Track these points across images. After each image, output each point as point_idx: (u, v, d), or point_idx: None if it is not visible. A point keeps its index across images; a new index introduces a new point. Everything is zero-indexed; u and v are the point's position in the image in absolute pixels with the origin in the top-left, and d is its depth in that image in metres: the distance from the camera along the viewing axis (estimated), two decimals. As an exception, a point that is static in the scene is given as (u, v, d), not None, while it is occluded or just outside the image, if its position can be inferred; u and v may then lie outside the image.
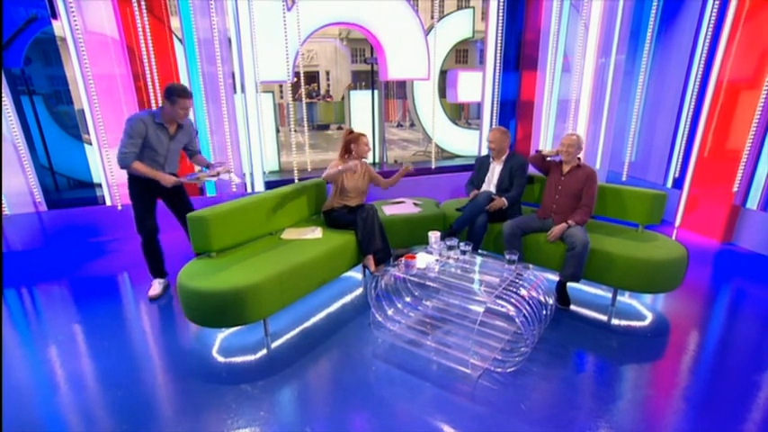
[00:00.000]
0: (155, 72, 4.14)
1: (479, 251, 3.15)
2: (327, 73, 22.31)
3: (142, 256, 3.15)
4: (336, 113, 13.18)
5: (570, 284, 3.01)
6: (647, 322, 2.79)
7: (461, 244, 2.65)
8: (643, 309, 2.96)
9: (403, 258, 2.50)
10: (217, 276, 2.40)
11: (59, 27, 3.83)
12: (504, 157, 3.39)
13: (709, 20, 4.28)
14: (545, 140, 5.53)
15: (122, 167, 2.81)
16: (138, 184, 2.94)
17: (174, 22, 4.23)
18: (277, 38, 4.45)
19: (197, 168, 3.39)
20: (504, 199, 3.21)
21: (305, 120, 5.50)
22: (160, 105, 2.81)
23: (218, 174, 2.99)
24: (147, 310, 3.07)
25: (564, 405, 2.04)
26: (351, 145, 3.23)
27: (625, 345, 2.53)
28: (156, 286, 3.19)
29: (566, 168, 3.07)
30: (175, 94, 2.74)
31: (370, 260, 3.09)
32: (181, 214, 3.14)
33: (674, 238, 3.81)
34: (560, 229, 2.87)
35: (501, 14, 5.13)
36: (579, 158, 3.07)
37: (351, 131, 3.28)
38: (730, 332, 2.76)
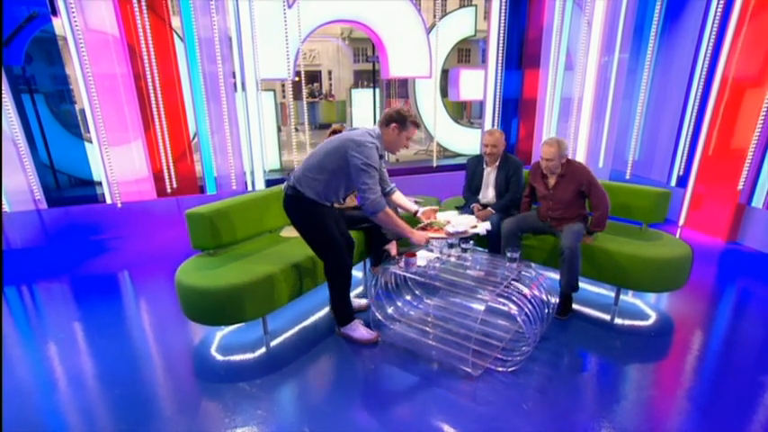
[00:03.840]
0: (155, 70, 4.13)
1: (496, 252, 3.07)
2: (330, 72, 22.30)
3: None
4: (338, 113, 13.16)
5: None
6: (650, 322, 2.76)
7: (470, 244, 2.63)
8: (647, 308, 2.92)
9: (403, 256, 2.47)
10: (215, 274, 2.38)
11: (60, 26, 3.83)
12: (497, 163, 3.27)
13: (714, 17, 4.23)
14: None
15: (373, 213, 2.20)
16: (318, 204, 2.30)
17: (175, 22, 4.22)
18: (278, 35, 4.43)
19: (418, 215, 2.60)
20: (489, 209, 3.19)
21: (306, 119, 5.49)
22: (376, 130, 2.29)
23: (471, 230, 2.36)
24: (147, 308, 3.06)
25: (566, 405, 2.01)
26: None
27: (628, 344, 2.50)
28: (365, 330, 2.55)
29: (551, 181, 2.84)
30: (411, 120, 2.28)
31: (394, 244, 3.08)
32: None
33: (678, 237, 3.78)
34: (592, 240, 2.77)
35: (503, 12, 5.09)
36: (563, 162, 2.78)
37: (334, 131, 3.06)
38: (735, 332, 2.72)
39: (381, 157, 2.34)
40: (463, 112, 13.94)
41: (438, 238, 2.36)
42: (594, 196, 2.73)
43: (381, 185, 2.49)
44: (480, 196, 3.36)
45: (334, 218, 2.48)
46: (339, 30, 20.15)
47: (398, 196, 2.59)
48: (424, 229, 2.45)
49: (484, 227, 2.34)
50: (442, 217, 2.55)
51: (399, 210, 2.69)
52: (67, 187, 4.82)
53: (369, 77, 5.99)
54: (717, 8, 4.19)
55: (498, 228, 2.99)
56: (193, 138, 4.53)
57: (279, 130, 5.79)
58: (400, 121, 2.26)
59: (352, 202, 3.17)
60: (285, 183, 2.38)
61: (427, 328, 2.64)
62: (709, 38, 4.30)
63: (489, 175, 3.32)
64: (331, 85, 22.05)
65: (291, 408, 2.06)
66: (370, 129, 2.30)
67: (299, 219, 2.35)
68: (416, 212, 2.56)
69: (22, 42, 4.14)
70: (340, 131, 3.09)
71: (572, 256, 2.59)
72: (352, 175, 2.17)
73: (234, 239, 2.77)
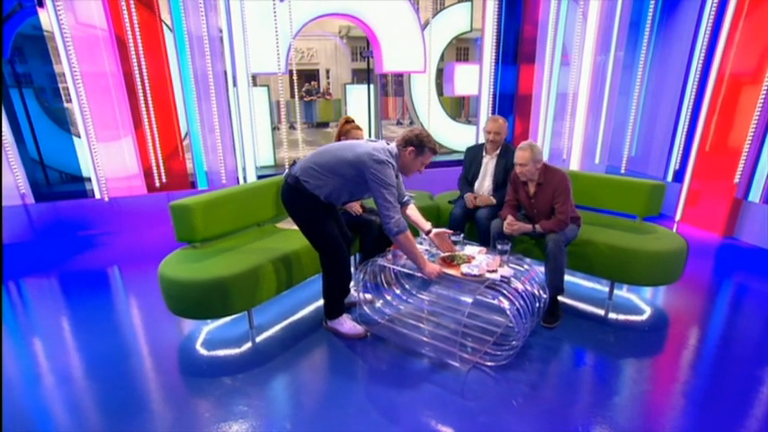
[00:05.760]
0: (143, 64, 4.06)
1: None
2: (327, 71, 22.22)
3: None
4: (336, 111, 13.12)
5: (566, 280, 2.88)
6: (645, 316, 2.71)
7: (460, 236, 2.56)
8: (641, 303, 2.88)
9: (391, 248, 2.42)
10: (199, 266, 2.33)
11: (47, 20, 3.75)
12: (497, 151, 3.22)
13: (710, 12, 4.19)
14: (543, 135, 5.44)
15: (396, 233, 2.13)
16: (318, 199, 2.20)
17: (167, 20, 4.16)
18: (269, 30, 4.37)
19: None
20: (491, 198, 3.11)
21: (298, 116, 5.44)
22: (393, 149, 2.22)
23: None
24: (134, 303, 3.01)
25: (558, 401, 1.96)
26: (341, 137, 2.91)
27: (622, 339, 2.45)
28: (352, 324, 2.50)
29: (531, 189, 2.68)
30: (429, 146, 2.20)
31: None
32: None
33: (674, 231, 3.74)
34: (521, 228, 2.59)
35: (498, 6, 5.05)
36: (540, 168, 2.61)
37: (347, 120, 2.95)
38: (731, 326, 2.67)
39: (397, 176, 2.29)
40: (461, 110, 13.91)
41: (451, 276, 2.21)
42: (560, 204, 2.55)
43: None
44: (476, 186, 3.29)
45: (333, 212, 2.41)
46: (337, 28, 20.08)
47: (412, 210, 2.49)
48: (444, 260, 2.33)
49: (502, 273, 2.23)
50: (468, 251, 2.42)
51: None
52: (58, 183, 4.76)
53: (365, 75, 5.93)
54: (712, 3, 4.16)
55: (489, 223, 2.93)
56: (185, 137, 4.47)
57: (274, 128, 5.73)
58: (418, 145, 2.19)
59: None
60: (286, 172, 2.30)
61: (416, 323, 2.59)
62: (705, 33, 4.27)
63: (488, 164, 3.24)
64: (329, 83, 21.99)
65: (275, 403, 2.01)
66: (389, 146, 2.22)
67: (296, 210, 2.28)
68: (429, 232, 2.45)
69: (8, 35, 4.07)
70: (348, 121, 2.95)
71: (556, 249, 2.49)
72: (372, 190, 2.12)
73: (220, 232, 2.71)
